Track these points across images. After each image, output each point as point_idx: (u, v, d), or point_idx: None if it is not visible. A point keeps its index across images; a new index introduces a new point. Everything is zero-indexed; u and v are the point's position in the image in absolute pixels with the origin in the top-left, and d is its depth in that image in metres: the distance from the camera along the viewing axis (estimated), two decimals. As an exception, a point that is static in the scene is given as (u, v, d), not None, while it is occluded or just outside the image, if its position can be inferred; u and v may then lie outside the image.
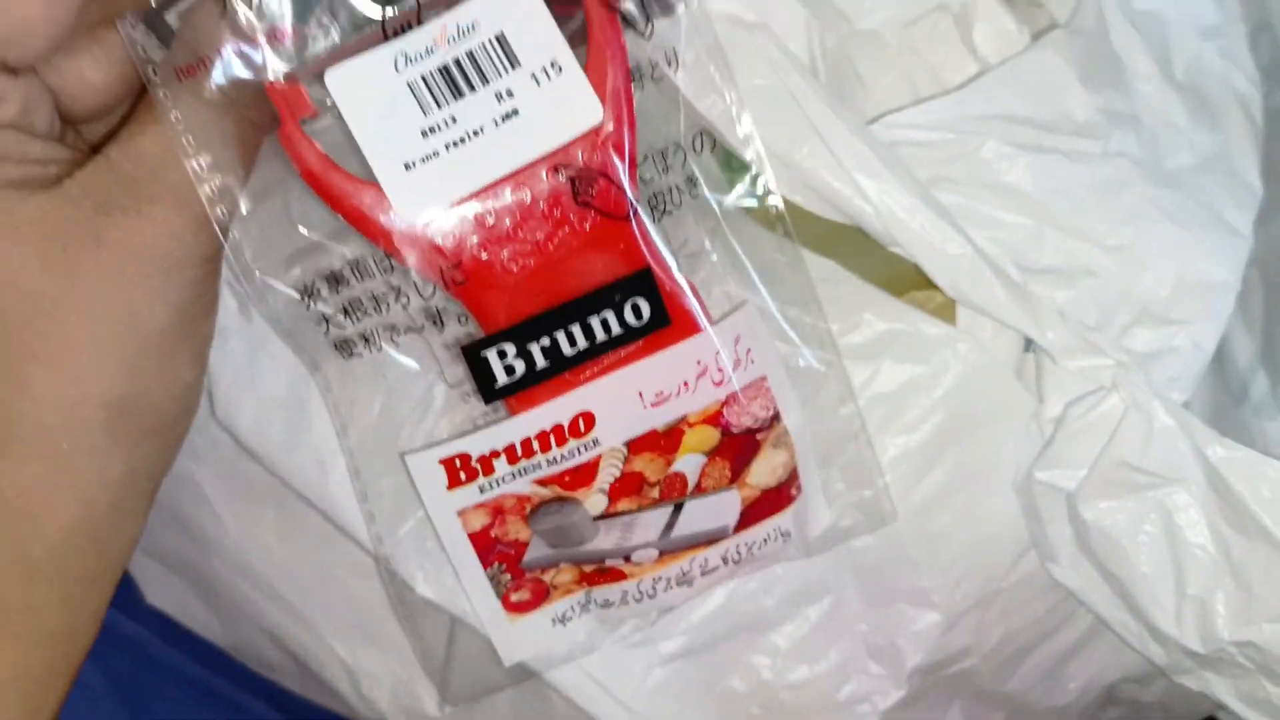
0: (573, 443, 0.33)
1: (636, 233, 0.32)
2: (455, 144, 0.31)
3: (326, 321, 0.33)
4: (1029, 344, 0.38)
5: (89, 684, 0.43)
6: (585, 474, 0.33)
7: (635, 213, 0.32)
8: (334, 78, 0.30)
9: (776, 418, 0.34)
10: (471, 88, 0.31)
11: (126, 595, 0.49)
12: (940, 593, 0.39)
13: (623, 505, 0.34)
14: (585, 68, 0.31)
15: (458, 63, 0.31)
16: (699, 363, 0.33)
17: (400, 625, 0.40)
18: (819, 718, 0.41)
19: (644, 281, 0.32)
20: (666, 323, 0.32)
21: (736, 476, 0.35)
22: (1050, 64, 0.39)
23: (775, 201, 0.34)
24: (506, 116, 0.31)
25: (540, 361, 0.32)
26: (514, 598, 0.36)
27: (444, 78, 0.31)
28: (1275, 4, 0.44)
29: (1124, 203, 0.39)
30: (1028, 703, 0.45)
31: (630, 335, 0.32)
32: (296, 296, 0.32)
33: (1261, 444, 0.40)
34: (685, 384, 0.33)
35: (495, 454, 0.33)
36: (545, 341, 0.32)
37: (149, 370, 0.31)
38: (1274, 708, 0.38)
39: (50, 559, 0.32)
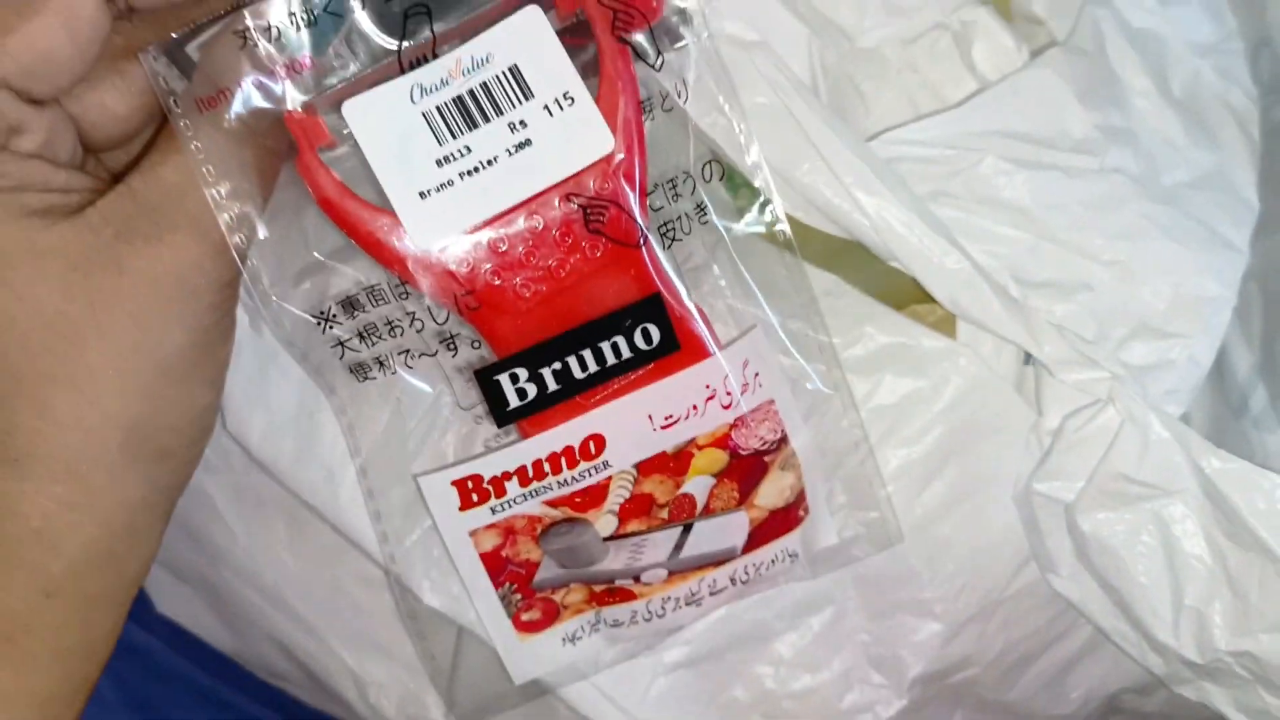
0: (583, 465, 0.33)
1: (647, 259, 0.32)
2: (469, 173, 0.31)
3: (342, 345, 0.34)
4: (1029, 357, 0.39)
5: (101, 693, 0.43)
6: (596, 495, 0.34)
7: (646, 240, 0.32)
8: (351, 108, 0.31)
9: (784, 440, 0.35)
10: (485, 118, 0.31)
11: (138, 605, 0.48)
12: (942, 603, 0.40)
13: (632, 526, 0.35)
14: (597, 98, 0.31)
15: (472, 94, 0.31)
16: (708, 386, 0.33)
17: (408, 635, 0.40)
18: (821, 727, 0.42)
19: (654, 307, 0.32)
20: (676, 347, 0.33)
21: (745, 498, 0.35)
22: (1048, 81, 0.40)
23: (783, 228, 0.35)
24: (520, 146, 0.31)
25: (552, 385, 0.33)
26: (525, 617, 0.36)
27: (458, 108, 0.31)
28: (1275, 20, 0.44)
29: (1121, 218, 0.40)
30: (1029, 713, 0.45)
31: (640, 360, 0.33)
32: (312, 321, 0.33)
33: (1261, 456, 0.41)
34: (694, 407, 0.33)
35: (507, 475, 0.33)
36: (557, 365, 0.32)
37: (167, 394, 0.32)
38: (1273, 719, 0.38)
39: (68, 578, 0.33)
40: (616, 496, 0.34)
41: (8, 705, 0.33)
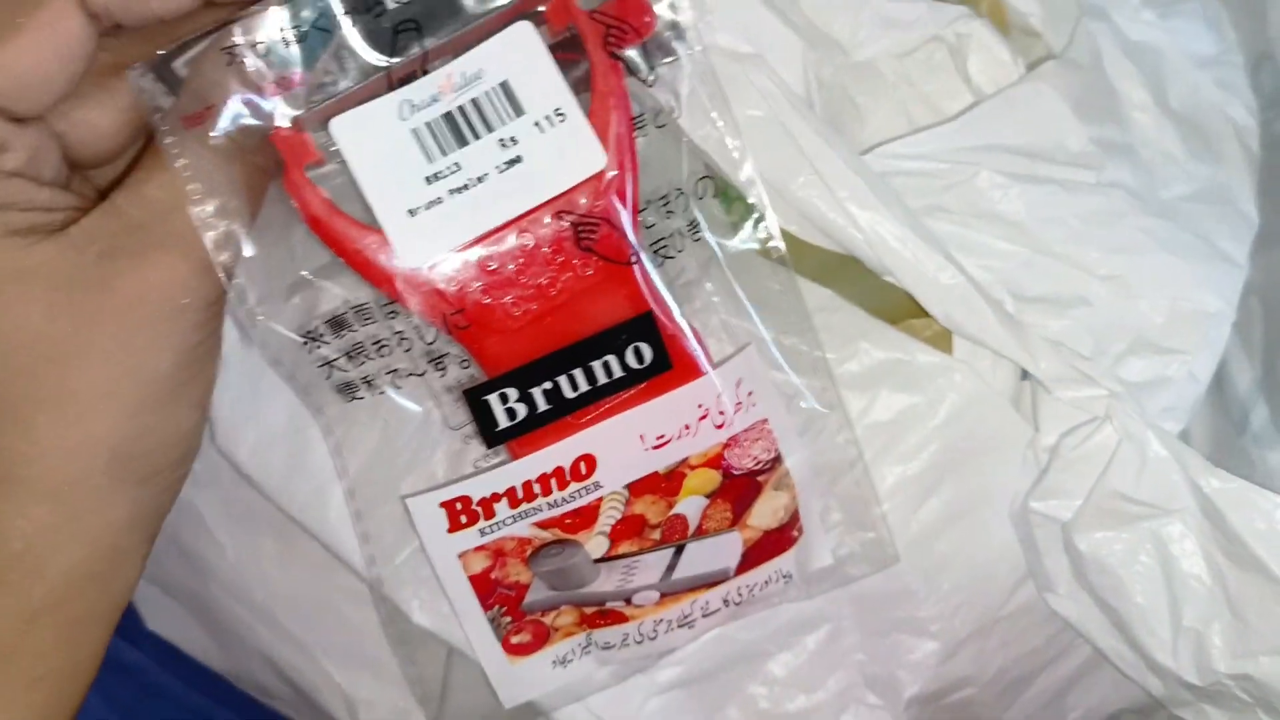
0: (574, 486, 0.33)
1: (639, 278, 0.32)
2: (459, 190, 0.31)
3: (329, 365, 0.33)
4: (1026, 373, 0.38)
5: (91, 711, 0.43)
6: (586, 516, 0.34)
7: (638, 258, 0.32)
8: (339, 125, 0.31)
9: (778, 460, 0.35)
10: (475, 135, 0.31)
11: (128, 621, 0.48)
12: (938, 622, 0.39)
13: (624, 548, 0.34)
14: (589, 115, 0.31)
15: (462, 110, 0.31)
16: (700, 406, 0.33)
17: (396, 657, 0.40)
18: (817, 747, 0.41)
19: (646, 326, 0.32)
20: (668, 366, 0.32)
21: (738, 518, 0.35)
22: (1044, 95, 0.40)
23: (777, 244, 0.34)
24: (510, 163, 0.31)
25: (542, 405, 0.32)
26: (514, 640, 0.36)
27: (448, 125, 0.31)
28: (1276, 32, 0.44)
29: (1118, 233, 0.39)
30: (1028, 733, 0.45)
31: (632, 379, 0.32)
32: (299, 340, 0.33)
33: (1262, 473, 0.41)
34: (687, 427, 0.33)
35: (496, 497, 0.33)
36: (547, 385, 0.32)
37: (152, 415, 0.32)
38: (1273, 743, 0.38)
39: (52, 601, 0.32)
40: (608, 518, 0.34)
41: None
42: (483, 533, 0.34)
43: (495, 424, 0.32)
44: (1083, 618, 0.39)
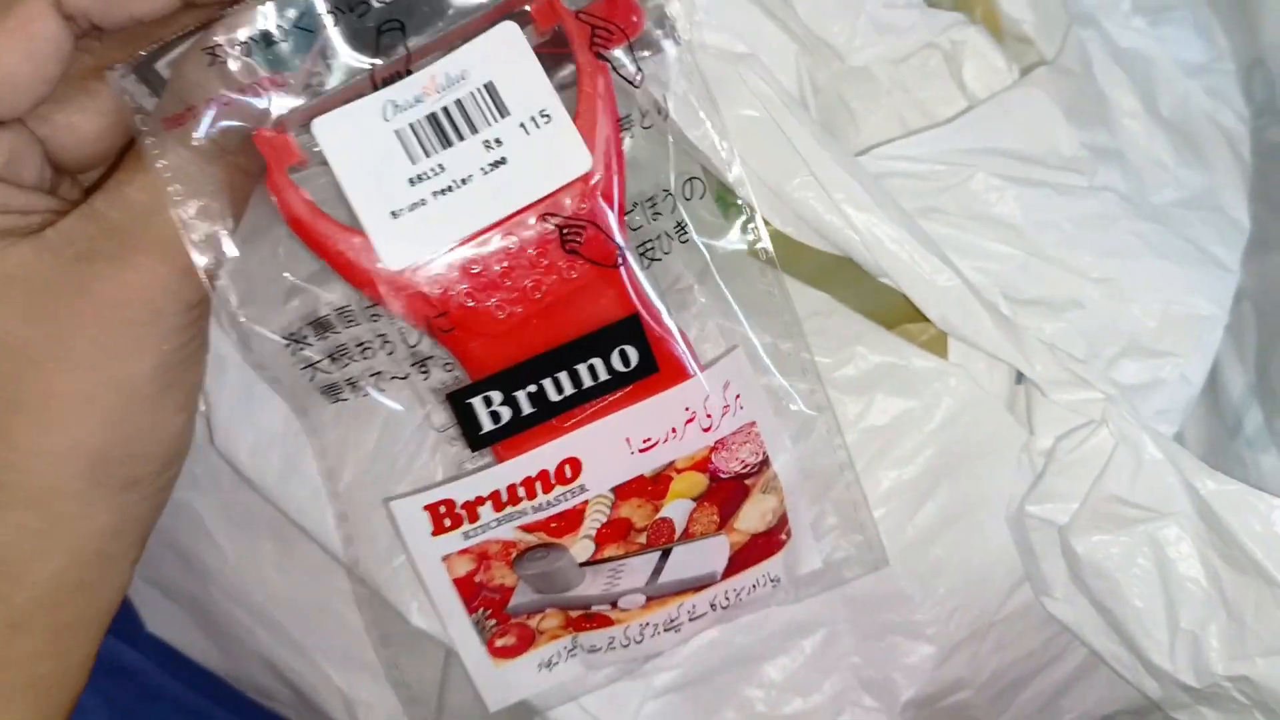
0: (559, 489, 0.33)
1: (625, 280, 0.32)
2: (443, 192, 0.31)
3: (313, 367, 0.33)
4: (1020, 376, 0.38)
5: (90, 713, 0.43)
6: (571, 520, 0.33)
7: (624, 260, 0.32)
8: (321, 126, 0.31)
9: (766, 463, 0.34)
10: (460, 136, 0.31)
11: (127, 624, 0.49)
12: (934, 625, 0.39)
13: (609, 551, 0.34)
14: (575, 116, 0.31)
15: (446, 111, 0.31)
16: (687, 409, 0.33)
17: (381, 661, 0.40)
18: (812, 751, 0.41)
19: (632, 328, 0.32)
20: (655, 369, 0.32)
21: (725, 522, 0.34)
22: (1037, 100, 0.40)
23: (765, 246, 0.34)
24: (495, 165, 0.31)
25: (526, 408, 0.32)
26: (499, 643, 0.35)
27: (432, 126, 0.31)
28: (1268, 40, 0.44)
29: (1111, 237, 0.39)
30: (1023, 736, 0.44)
31: (618, 382, 0.32)
32: (282, 343, 0.33)
33: (1256, 476, 0.41)
34: (673, 430, 0.33)
35: (481, 500, 0.33)
36: (532, 388, 0.32)
37: (135, 420, 0.31)
38: (1271, 745, 0.38)
39: (37, 609, 0.32)
40: (593, 521, 0.33)
41: None
42: (467, 536, 0.33)
43: (479, 427, 0.32)
44: (1079, 621, 0.39)
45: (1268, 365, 0.42)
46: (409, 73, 0.31)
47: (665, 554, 0.34)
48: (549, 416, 0.32)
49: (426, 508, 0.33)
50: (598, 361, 0.32)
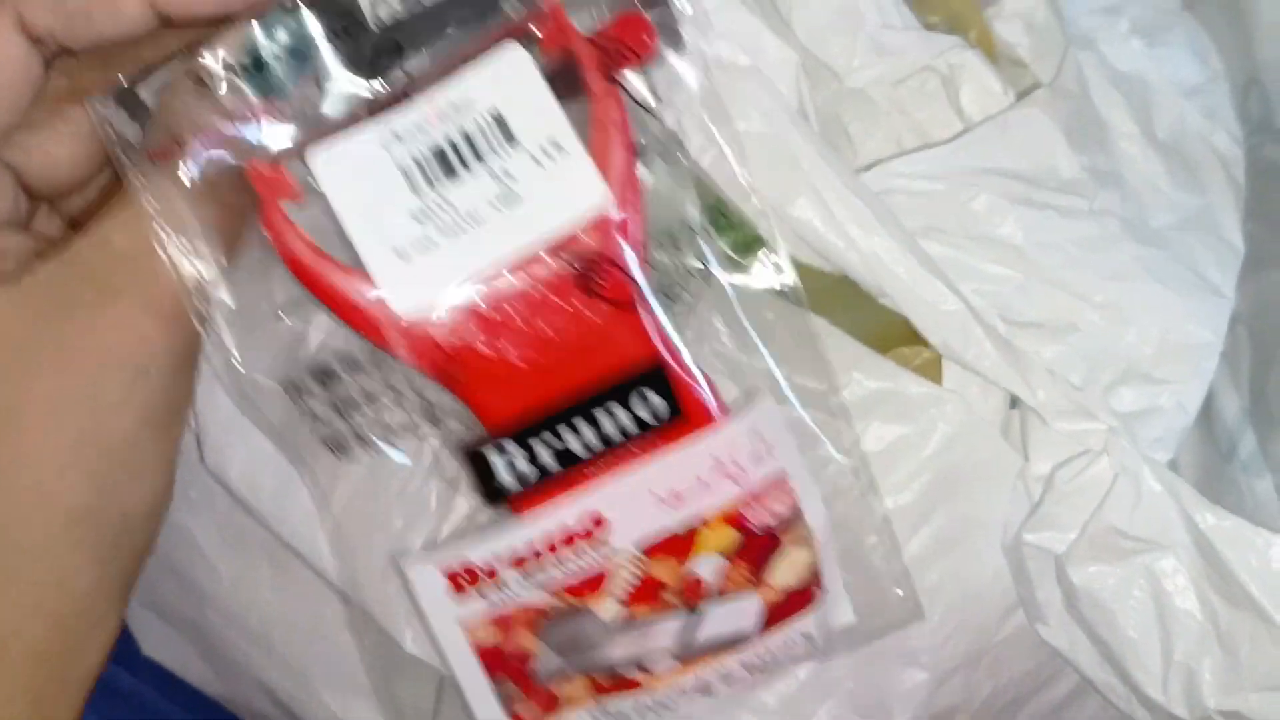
0: (583, 546, 0.30)
1: (646, 321, 0.29)
2: (450, 229, 0.28)
3: (316, 419, 0.31)
4: (1015, 400, 0.37)
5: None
6: (597, 579, 0.31)
7: (645, 300, 0.29)
8: (319, 159, 0.28)
9: (798, 514, 0.32)
10: (467, 169, 0.29)
11: (123, 647, 0.47)
12: (928, 651, 0.38)
13: (637, 611, 0.32)
14: (588, 145, 0.29)
15: (451, 142, 0.29)
16: (715, 459, 0.30)
17: (374, 683, 0.39)
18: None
19: (655, 373, 0.30)
20: (680, 416, 0.30)
21: (757, 577, 0.32)
22: (1037, 121, 0.39)
23: (789, 279, 0.32)
24: (505, 199, 0.29)
25: (546, 461, 0.30)
26: (520, 709, 0.33)
27: (437, 158, 0.29)
28: (1263, 58, 0.44)
29: (1111, 260, 0.39)
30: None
31: (641, 430, 0.30)
32: (283, 394, 0.30)
33: (1250, 501, 0.41)
34: (701, 481, 0.30)
35: (500, 560, 0.30)
36: (551, 439, 0.29)
37: (116, 477, 0.29)
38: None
39: (16, 677, 0.30)
40: (620, 580, 0.31)
41: None
42: (486, 599, 0.31)
43: (496, 481, 0.30)
44: (1074, 649, 0.38)
45: (1263, 388, 0.41)
46: (409, 99, 0.29)
47: (695, 613, 0.32)
48: (569, 468, 0.30)
49: (442, 569, 0.30)
50: (619, 409, 0.30)
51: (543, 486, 0.30)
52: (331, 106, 0.29)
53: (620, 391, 0.30)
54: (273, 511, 0.36)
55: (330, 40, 0.28)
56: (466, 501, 0.32)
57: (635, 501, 0.30)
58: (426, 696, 0.38)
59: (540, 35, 0.29)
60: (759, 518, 0.31)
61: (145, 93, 0.29)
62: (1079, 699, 0.42)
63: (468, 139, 0.29)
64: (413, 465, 0.32)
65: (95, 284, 0.28)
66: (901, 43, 0.39)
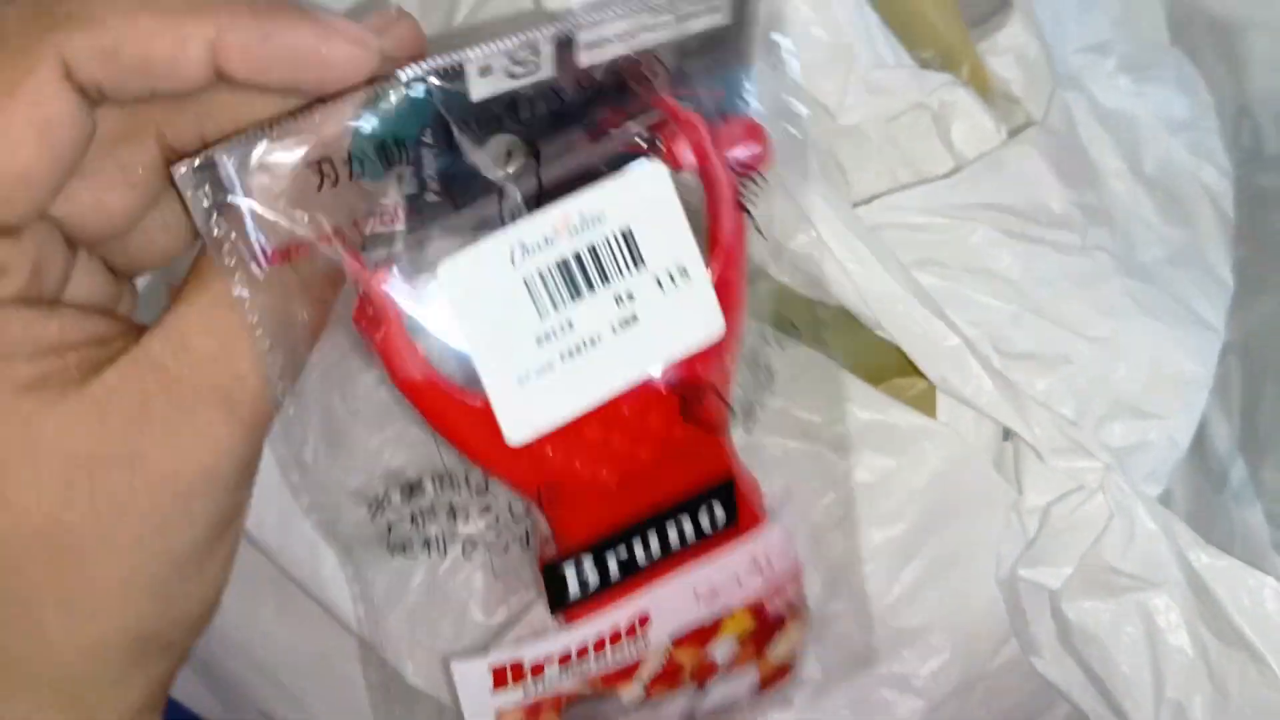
0: (625, 642, 0.31)
1: (727, 441, 0.30)
2: (570, 353, 0.27)
3: (389, 526, 0.29)
4: (1007, 433, 0.38)
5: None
6: (631, 669, 0.31)
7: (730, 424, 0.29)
8: (448, 270, 0.25)
9: (803, 599, 0.34)
10: (591, 288, 0.27)
11: None
12: (923, 679, 0.39)
13: (654, 691, 0.32)
14: (710, 270, 0.28)
15: (578, 257, 0.27)
16: (753, 558, 0.31)
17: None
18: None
19: (726, 490, 0.30)
20: (735, 523, 0.30)
21: (760, 655, 0.34)
22: (1029, 158, 0.40)
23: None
24: (625, 323, 0.27)
25: (614, 573, 0.29)
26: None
27: (563, 274, 0.27)
28: (1255, 88, 0.45)
29: (1104, 295, 0.40)
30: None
31: (700, 538, 0.30)
32: (365, 510, 0.27)
33: (1241, 531, 0.42)
34: (736, 578, 0.31)
35: (549, 659, 0.30)
36: (623, 553, 0.29)
37: (176, 591, 0.26)
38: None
39: None
40: (649, 669, 0.31)
41: None
42: (526, 693, 0.30)
43: (566, 593, 0.29)
44: (1067, 682, 0.39)
45: (1253, 419, 0.42)
46: (539, 206, 0.26)
47: (703, 688, 0.33)
48: (632, 576, 0.30)
49: (492, 667, 0.30)
50: (687, 522, 0.30)
51: (603, 594, 0.30)
52: (450, 210, 0.26)
53: (692, 505, 0.30)
54: (277, 543, 0.34)
55: (458, 131, 0.25)
56: (508, 587, 0.31)
57: (679, 600, 0.31)
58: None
59: (676, 150, 0.27)
60: (776, 606, 0.33)
61: (224, 159, 0.24)
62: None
63: (595, 256, 0.27)
64: (461, 558, 0.30)
65: (172, 390, 0.24)
66: (893, 81, 0.39)
